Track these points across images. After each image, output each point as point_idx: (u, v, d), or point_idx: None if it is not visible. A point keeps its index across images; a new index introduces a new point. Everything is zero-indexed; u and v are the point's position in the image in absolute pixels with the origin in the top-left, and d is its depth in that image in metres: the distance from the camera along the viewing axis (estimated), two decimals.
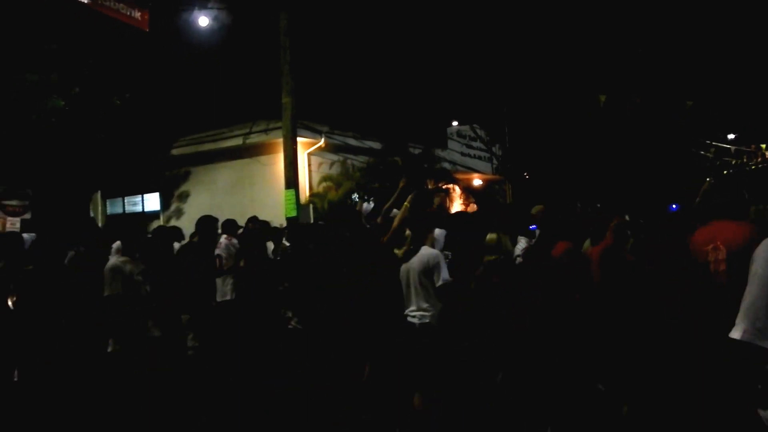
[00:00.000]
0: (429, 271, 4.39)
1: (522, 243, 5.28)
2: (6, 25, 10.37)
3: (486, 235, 5.14)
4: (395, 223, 5.18)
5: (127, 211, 16.92)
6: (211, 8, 10.48)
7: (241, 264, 6.45)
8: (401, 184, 5.66)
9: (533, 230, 5.67)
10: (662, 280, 3.88)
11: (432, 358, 4.31)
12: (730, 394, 2.43)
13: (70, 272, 5.54)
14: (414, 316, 4.43)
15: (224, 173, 15.10)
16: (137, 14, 9.56)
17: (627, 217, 5.41)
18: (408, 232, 4.94)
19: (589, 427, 4.09)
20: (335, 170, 14.44)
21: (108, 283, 4.81)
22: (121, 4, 9.34)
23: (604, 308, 4.26)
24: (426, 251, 4.50)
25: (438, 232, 5.12)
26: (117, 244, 5.55)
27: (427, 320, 4.38)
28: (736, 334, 1.90)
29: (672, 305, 3.62)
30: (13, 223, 11.22)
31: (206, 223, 6.01)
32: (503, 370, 4.60)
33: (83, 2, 9.06)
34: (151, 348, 4.76)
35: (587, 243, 5.07)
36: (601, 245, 4.59)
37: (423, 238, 4.60)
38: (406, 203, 5.30)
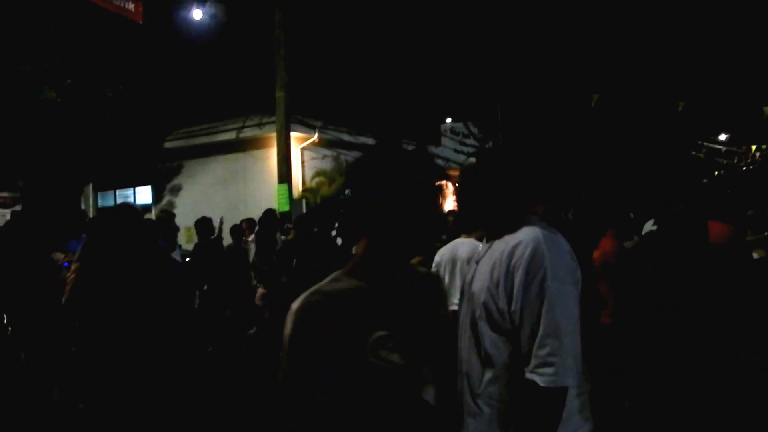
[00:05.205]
0: None
1: None
2: None
3: None
4: None
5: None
6: (206, 1, 10.44)
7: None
8: None
9: None
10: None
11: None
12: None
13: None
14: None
15: (217, 167, 15.03)
16: (131, 5, 9.49)
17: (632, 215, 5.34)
18: None
19: None
20: (328, 165, 14.42)
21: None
22: None
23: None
24: (473, 244, 4.36)
25: None
26: None
27: None
28: None
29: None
30: (3, 215, 11.14)
31: None
32: None
33: None
34: None
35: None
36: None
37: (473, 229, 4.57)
38: None
